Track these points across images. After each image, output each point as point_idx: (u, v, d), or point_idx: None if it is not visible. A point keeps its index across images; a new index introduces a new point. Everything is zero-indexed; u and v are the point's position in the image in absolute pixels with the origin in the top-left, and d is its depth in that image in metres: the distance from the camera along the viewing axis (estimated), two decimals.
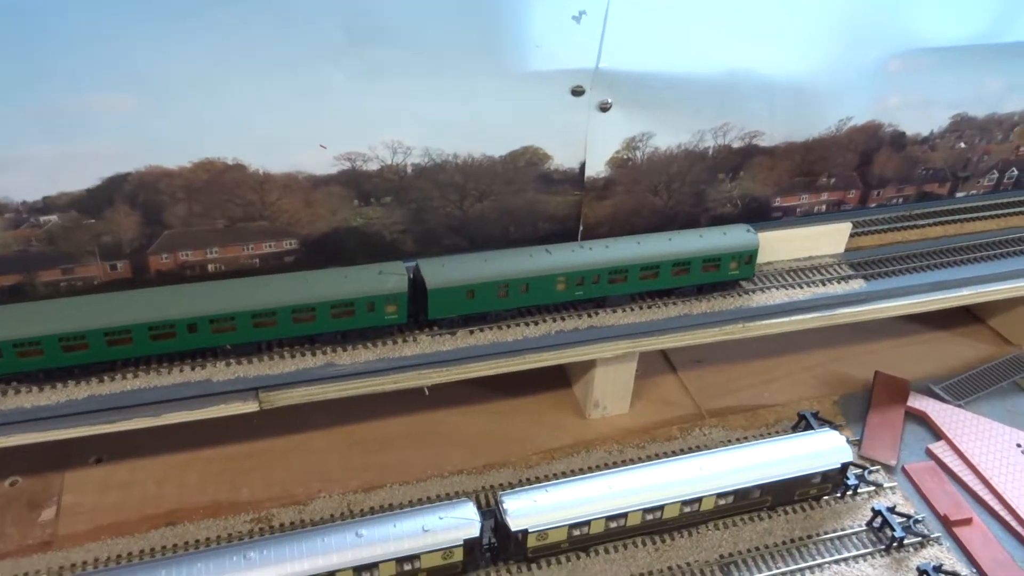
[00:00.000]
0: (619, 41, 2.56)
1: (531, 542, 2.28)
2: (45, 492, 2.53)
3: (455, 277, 2.55)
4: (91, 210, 2.40)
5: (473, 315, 2.63)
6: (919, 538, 2.49)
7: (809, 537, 2.49)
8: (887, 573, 2.40)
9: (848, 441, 2.61)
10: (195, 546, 2.36)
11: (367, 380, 2.47)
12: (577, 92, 2.65)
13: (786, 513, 2.55)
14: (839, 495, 2.61)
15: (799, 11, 2.73)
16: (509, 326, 2.66)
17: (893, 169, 3.31)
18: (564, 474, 2.62)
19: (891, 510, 2.52)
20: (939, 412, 2.94)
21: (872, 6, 2.83)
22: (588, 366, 2.81)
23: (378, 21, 2.36)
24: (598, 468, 2.67)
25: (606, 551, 2.39)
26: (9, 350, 2.23)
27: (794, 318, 2.84)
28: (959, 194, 3.51)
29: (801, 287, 2.93)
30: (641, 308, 2.78)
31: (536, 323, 2.68)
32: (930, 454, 2.81)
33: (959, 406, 2.98)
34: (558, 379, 3.01)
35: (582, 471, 2.65)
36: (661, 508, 2.37)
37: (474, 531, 2.20)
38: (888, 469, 2.73)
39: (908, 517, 2.52)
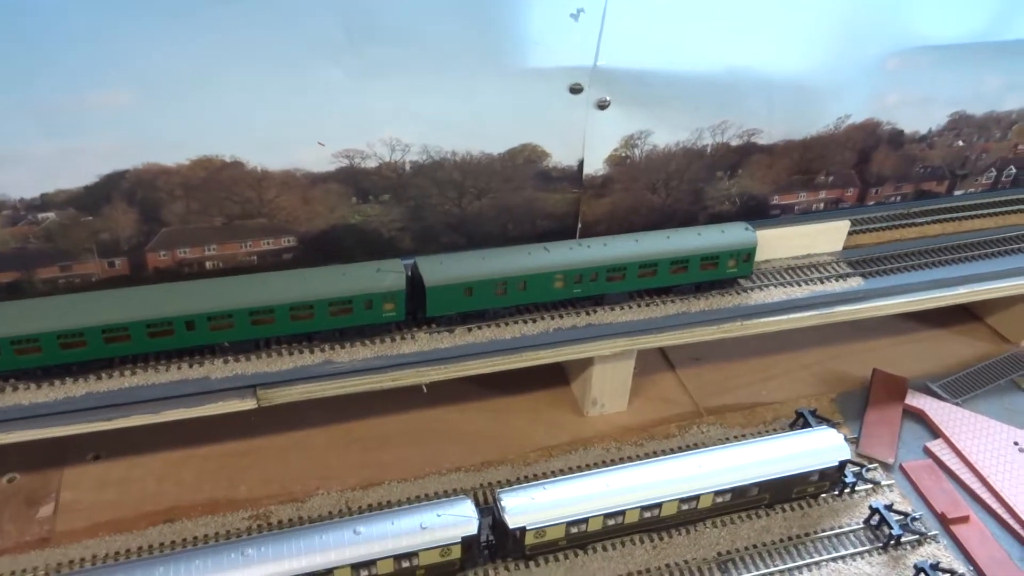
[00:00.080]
0: (617, 39, 2.56)
1: (529, 540, 2.29)
2: (43, 489, 2.53)
3: (453, 275, 2.55)
4: (89, 207, 2.40)
5: (471, 313, 2.62)
6: (916, 536, 2.49)
7: (807, 535, 2.49)
8: (884, 571, 2.41)
9: (846, 439, 2.62)
10: (193, 543, 2.36)
11: (365, 378, 2.47)
12: (575, 90, 2.65)
13: (784, 511, 2.55)
14: (837, 493, 2.61)
15: (798, 9, 2.73)
16: (507, 324, 2.66)
17: (891, 167, 3.31)
18: (562, 472, 2.62)
19: (889, 508, 2.53)
20: (937, 410, 2.94)
21: (871, 4, 2.83)
22: (586, 364, 2.81)
23: (377, 18, 2.36)
24: (596, 466, 2.67)
25: (604, 549, 2.40)
26: (7, 347, 2.23)
27: (792, 316, 2.84)
28: (957, 192, 3.51)
29: (799, 285, 2.93)
30: (639, 306, 2.78)
31: (534, 321, 2.68)
32: (928, 452, 2.82)
33: (957, 404, 2.99)
34: (556, 377, 3.01)
35: (580, 469, 2.65)
36: (659, 506, 2.38)
37: (472, 529, 2.21)
38: (886, 467, 2.74)
39: (905, 515, 2.52)
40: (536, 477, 2.61)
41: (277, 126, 2.45)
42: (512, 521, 2.25)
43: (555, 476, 2.52)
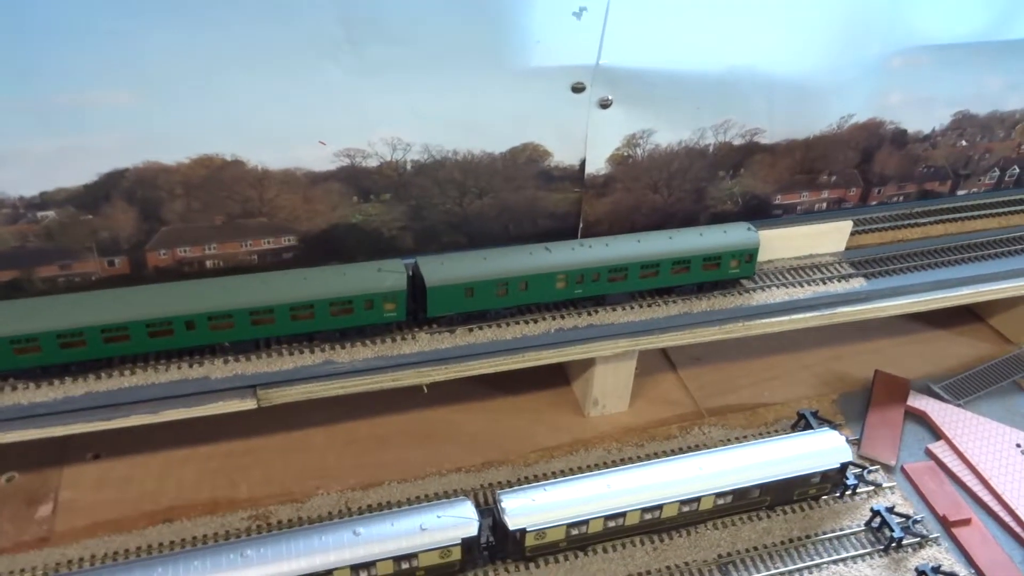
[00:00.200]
0: (620, 38, 2.55)
1: (529, 541, 2.28)
2: (42, 488, 2.52)
3: (454, 275, 2.54)
4: (89, 206, 2.39)
5: (472, 313, 2.62)
6: (918, 538, 2.48)
7: (808, 537, 2.49)
8: (886, 573, 2.40)
9: (847, 440, 2.61)
10: (192, 543, 2.36)
11: (365, 378, 2.47)
12: (577, 89, 2.64)
13: (785, 513, 2.55)
14: (838, 495, 2.60)
15: (800, 8, 2.72)
16: (508, 324, 2.65)
17: (894, 167, 3.30)
18: (563, 473, 2.62)
19: (890, 510, 2.52)
20: (939, 412, 2.93)
21: (874, 3, 2.81)
22: (587, 364, 2.80)
23: (378, 17, 2.35)
24: (597, 467, 2.67)
25: (604, 550, 2.39)
26: (6, 347, 2.22)
27: (794, 317, 2.83)
28: (960, 192, 3.50)
29: (801, 286, 2.93)
30: (641, 306, 2.77)
31: (535, 321, 2.67)
32: (929, 454, 2.81)
33: (959, 406, 2.98)
34: (557, 377, 3.00)
35: (581, 470, 2.64)
36: (660, 507, 2.37)
37: (472, 530, 2.20)
38: (887, 469, 2.73)
39: (907, 517, 2.51)
40: (537, 478, 2.60)
41: (278, 125, 2.44)
42: (512, 522, 2.25)
43: (556, 477, 2.51)
